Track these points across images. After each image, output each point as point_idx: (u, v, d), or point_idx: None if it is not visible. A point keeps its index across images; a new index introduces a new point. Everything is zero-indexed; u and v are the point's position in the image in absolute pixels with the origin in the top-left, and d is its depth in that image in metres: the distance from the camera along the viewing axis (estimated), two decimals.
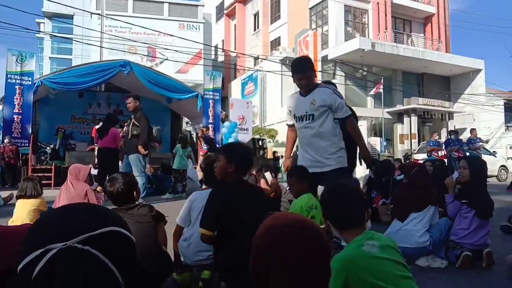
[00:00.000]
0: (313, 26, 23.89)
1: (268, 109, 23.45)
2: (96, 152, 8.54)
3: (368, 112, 20.96)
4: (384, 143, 20.03)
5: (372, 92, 20.78)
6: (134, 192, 2.85)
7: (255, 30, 28.49)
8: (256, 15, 28.50)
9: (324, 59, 20.80)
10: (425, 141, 16.68)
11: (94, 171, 6.92)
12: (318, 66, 18.65)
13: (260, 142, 13.55)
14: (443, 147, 13.27)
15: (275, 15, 26.40)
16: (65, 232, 0.72)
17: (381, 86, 19.77)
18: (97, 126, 10.04)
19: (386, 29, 23.06)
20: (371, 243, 1.51)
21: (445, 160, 11.40)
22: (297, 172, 3.30)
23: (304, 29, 21.63)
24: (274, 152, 14.78)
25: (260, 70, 23.08)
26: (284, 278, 1.01)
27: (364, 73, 22.52)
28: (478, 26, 55.35)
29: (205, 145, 9.48)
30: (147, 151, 7.09)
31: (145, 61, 22.29)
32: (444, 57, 23.05)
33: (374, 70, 22.29)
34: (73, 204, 0.84)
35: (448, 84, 24.76)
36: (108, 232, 0.75)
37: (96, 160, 8.30)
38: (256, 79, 23.79)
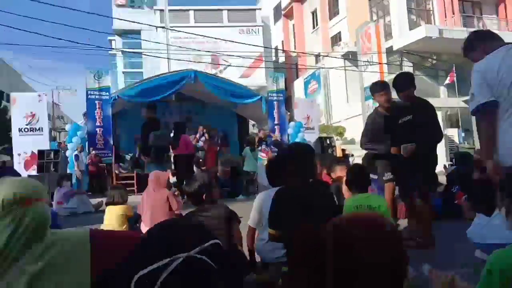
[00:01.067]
0: (374, 17, 23.13)
1: (333, 106, 23.11)
2: (172, 159, 9.04)
3: (442, 102, 19.84)
4: (463, 134, 19.03)
5: (447, 81, 19.79)
6: (213, 192, 3.02)
7: (314, 27, 28.23)
8: (314, 13, 28.23)
9: (389, 51, 20.03)
10: None
11: (173, 178, 7.30)
12: (383, 58, 18.01)
13: (327, 140, 13.36)
14: None
15: (333, 11, 25.96)
16: (183, 245, 0.86)
17: (454, 74, 18.72)
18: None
19: (453, 14, 21.67)
20: None
21: None
22: None
23: (365, 21, 21.00)
24: (343, 150, 14.54)
25: (322, 68, 22.81)
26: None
27: (434, 61, 21.36)
28: None
29: (273, 147, 9.60)
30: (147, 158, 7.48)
31: (209, 69, 23.06)
32: None
33: (444, 58, 21.04)
34: (179, 221, 1.02)
35: None
36: (212, 244, 0.88)
37: (173, 167, 8.77)
38: (318, 77, 23.56)
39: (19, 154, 11.58)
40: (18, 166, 11.23)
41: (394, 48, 20.26)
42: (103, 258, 1.32)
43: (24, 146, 11.53)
